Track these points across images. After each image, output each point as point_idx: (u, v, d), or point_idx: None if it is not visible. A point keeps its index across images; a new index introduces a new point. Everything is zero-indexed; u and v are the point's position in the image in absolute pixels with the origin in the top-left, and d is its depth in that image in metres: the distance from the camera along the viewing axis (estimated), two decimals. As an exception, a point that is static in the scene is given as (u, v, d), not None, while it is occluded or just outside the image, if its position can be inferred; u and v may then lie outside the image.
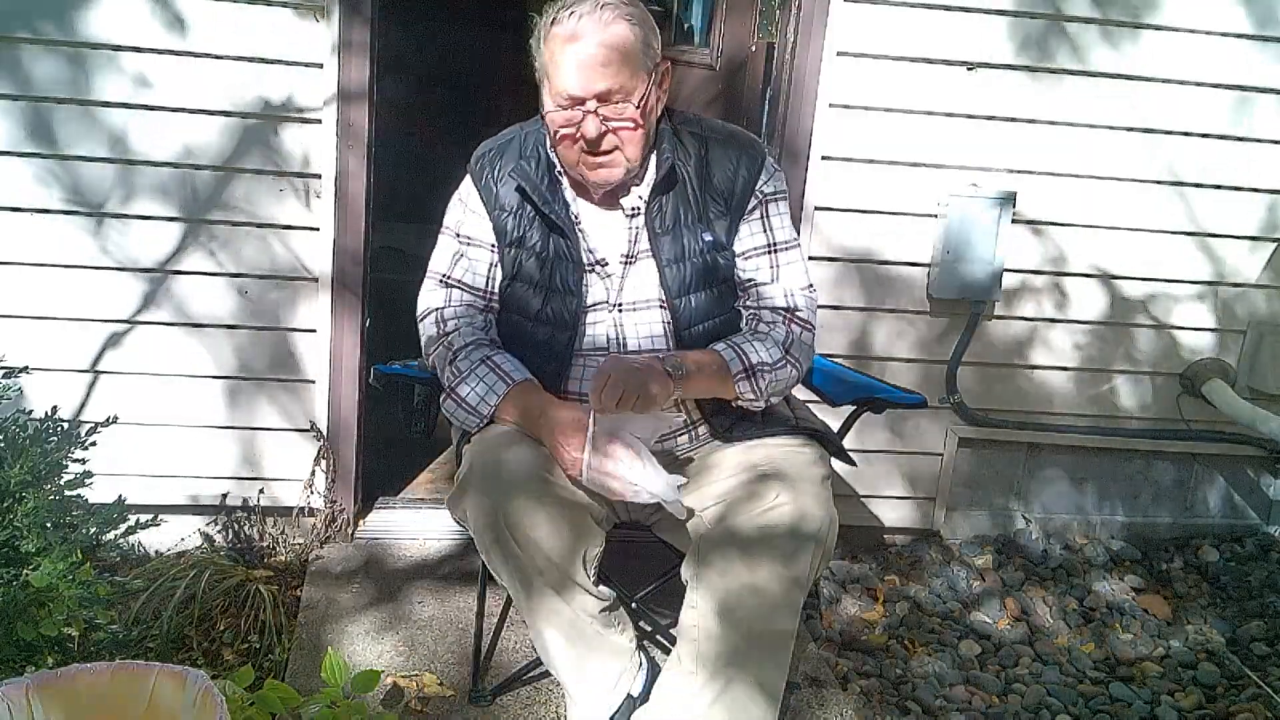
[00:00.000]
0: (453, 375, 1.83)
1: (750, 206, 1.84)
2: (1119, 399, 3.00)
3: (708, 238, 1.82)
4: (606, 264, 1.83)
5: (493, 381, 1.79)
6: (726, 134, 1.88)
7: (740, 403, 1.83)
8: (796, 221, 2.70)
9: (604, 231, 1.84)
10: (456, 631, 2.33)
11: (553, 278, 1.83)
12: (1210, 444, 3.05)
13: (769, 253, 1.87)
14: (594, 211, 1.85)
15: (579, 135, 1.72)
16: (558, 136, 1.75)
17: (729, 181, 1.83)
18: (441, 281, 1.90)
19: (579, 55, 1.67)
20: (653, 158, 1.81)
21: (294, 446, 2.67)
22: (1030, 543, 2.99)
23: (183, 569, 2.34)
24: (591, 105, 1.69)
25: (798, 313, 1.87)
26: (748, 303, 1.88)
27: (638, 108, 1.71)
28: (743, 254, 1.86)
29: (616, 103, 1.70)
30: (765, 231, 1.86)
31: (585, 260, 1.83)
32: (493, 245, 1.87)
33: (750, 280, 1.87)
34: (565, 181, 1.83)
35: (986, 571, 2.87)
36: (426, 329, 1.91)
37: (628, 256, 1.83)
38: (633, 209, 1.82)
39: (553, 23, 1.70)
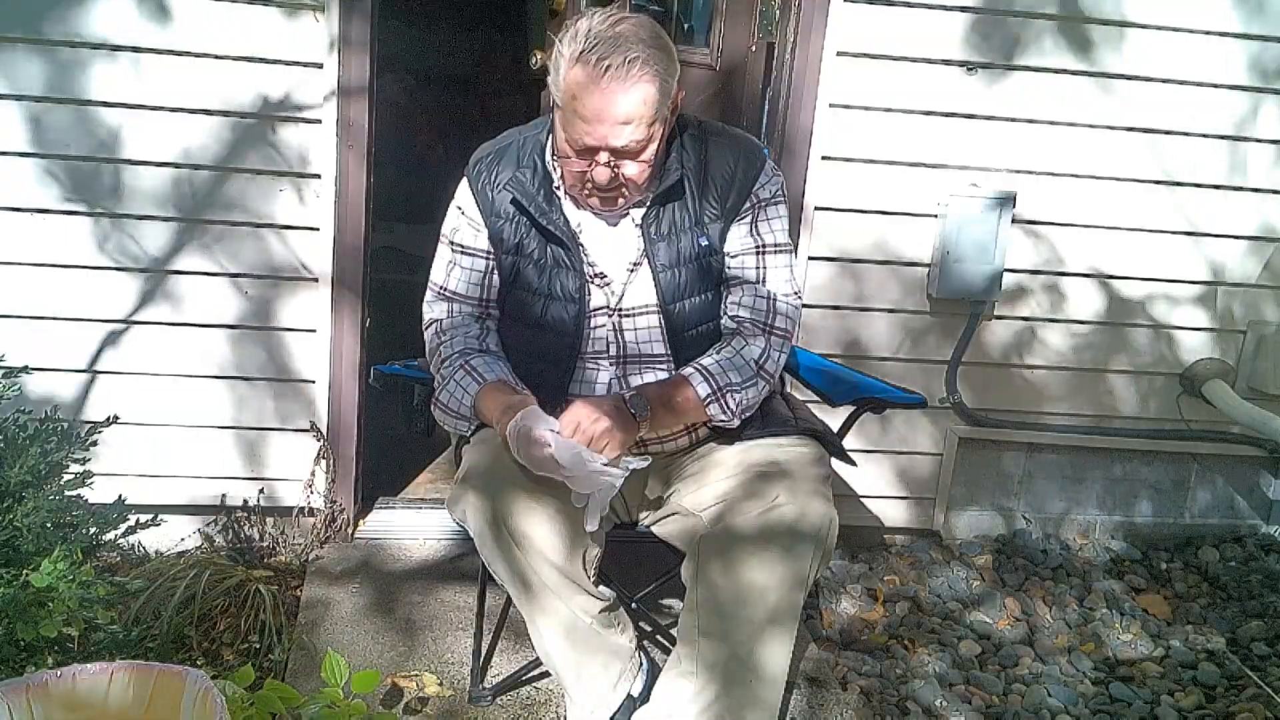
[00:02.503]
0: (439, 382, 1.85)
1: (744, 209, 1.83)
2: (1118, 399, 3.00)
3: (703, 242, 1.82)
4: (605, 276, 1.83)
5: (468, 384, 1.80)
6: (726, 137, 1.87)
7: (713, 424, 1.82)
8: (796, 221, 2.70)
9: (607, 241, 1.83)
10: (456, 631, 2.33)
11: (552, 285, 1.83)
12: (1210, 444, 3.05)
13: (757, 253, 1.85)
14: (597, 222, 1.84)
15: (589, 179, 1.71)
16: (567, 176, 1.76)
17: (726, 185, 1.82)
18: (439, 294, 1.91)
19: (598, 112, 1.63)
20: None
21: (294, 446, 2.67)
22: (1030, 543, 2.99)
23: (183, 569, 2.33)
24: (604, 158, 1.68)
25: (776, 326, 1.85)
26: (729, 304, 1.86)
27: (650, 160, 1.71)
28: (731, 254, 1.85)
29: (631, 155, 1.69)
30: (754, 235, 1.85)
31: (586, 272, 1.82)
32: (488, 253, 1.87)
33: (736, 278, 1.86)
34: (563, 191, 1.83)
35: (986, 571, 2.87)
36: (428, 341, 1.92)
37: (635, 264, 1.83)
38: (641, 219, 1.82)
39: (576, 60, 1.63)
